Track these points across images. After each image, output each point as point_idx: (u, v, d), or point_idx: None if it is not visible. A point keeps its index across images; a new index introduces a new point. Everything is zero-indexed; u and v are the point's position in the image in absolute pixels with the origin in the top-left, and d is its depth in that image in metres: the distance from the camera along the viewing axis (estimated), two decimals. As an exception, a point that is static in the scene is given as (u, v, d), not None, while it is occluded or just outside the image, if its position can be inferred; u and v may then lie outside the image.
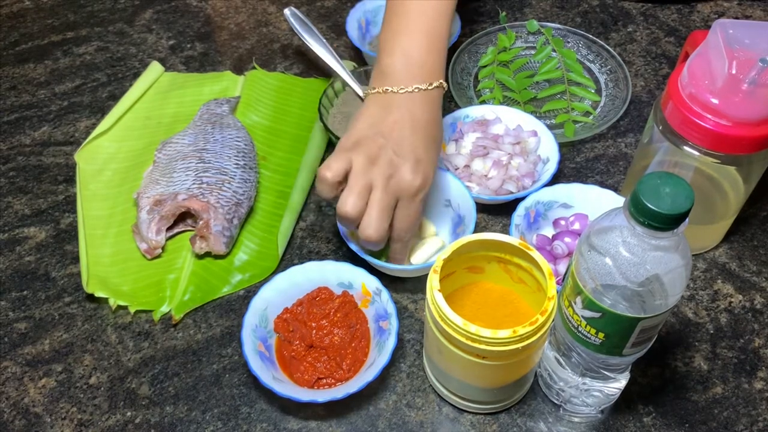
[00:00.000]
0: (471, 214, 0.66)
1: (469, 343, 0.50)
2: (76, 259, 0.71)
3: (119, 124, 0.82)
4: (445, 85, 0.64)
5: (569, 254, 0.67)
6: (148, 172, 0.75)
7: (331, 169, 0.60)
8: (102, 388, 0.62)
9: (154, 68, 0.88)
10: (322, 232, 0.73)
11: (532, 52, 0.90)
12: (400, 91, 0.62)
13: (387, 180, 0.60)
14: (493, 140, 0.75)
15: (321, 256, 0.71)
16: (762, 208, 0.74)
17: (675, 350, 0.63)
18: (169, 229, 0.71)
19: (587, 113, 0.83)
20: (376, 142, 0.61)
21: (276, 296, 0.63)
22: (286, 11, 0.87)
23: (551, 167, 0.72)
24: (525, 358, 0.52)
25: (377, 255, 0.67)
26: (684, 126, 0.58)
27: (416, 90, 0.62)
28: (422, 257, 0.68)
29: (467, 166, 0.74)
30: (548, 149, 0.74)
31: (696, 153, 0.58)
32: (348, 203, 0.60)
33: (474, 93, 0.85)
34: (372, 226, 0.60)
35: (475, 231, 0.67)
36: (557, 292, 0.52)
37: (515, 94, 0.85)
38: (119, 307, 0.67)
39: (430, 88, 0.62)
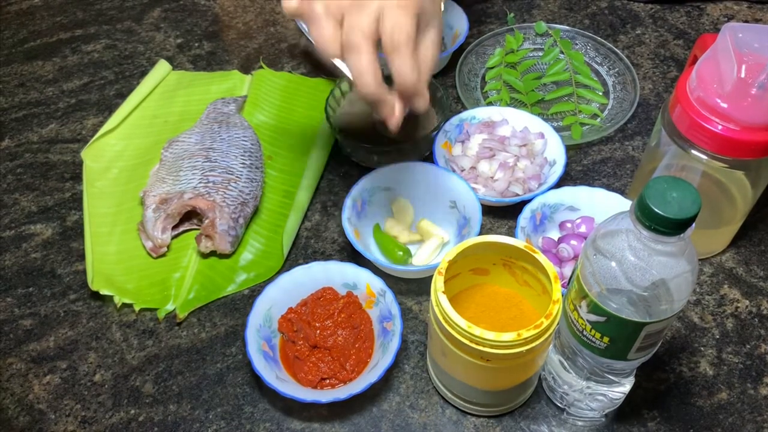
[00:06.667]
0: (476, 216, 0.66)
1: (473, 345, 0.50)
2: (81, 257, 0.71)
3: (126, 122, 0.82)
4: None
5: (575, 257, 0.66)
6: (155, 170, 0.75)
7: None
8: (106, 386, 0.62)
9: (162, 67, 0.88)
10: (327, 232, 0.73)
11: (540, 53, 0.90)
12: None
13: None
14: (500, 142, 0.75)
15: (326, 257, 0.71)
16: (770, 213, 0.73)
17: (680, 355, 0.63)
18: (174, 227, 0.71)
19: (594, 116, 0.82)
20: None
21: (280, 296, 0.63)
22: (294, 11, 0.88)
23: (558, 170, 0.72)
24: (529, 361, 0.52)
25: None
26: (692, 130, 0.57)
27: None
28: (427, 258, 0.68)
29: (473, 168, 0.74)
30: (555, 151, 0.74)
31: (704, 157, 0.58)
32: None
33: (481, 94, 0.85)
34: (363, 63, 0.50)
35: (481, 233, 0.67)
36: (562, 295, 0.51)
37: (522, 96, 0.84)
38: (124, 305, 0.67)
39: None
